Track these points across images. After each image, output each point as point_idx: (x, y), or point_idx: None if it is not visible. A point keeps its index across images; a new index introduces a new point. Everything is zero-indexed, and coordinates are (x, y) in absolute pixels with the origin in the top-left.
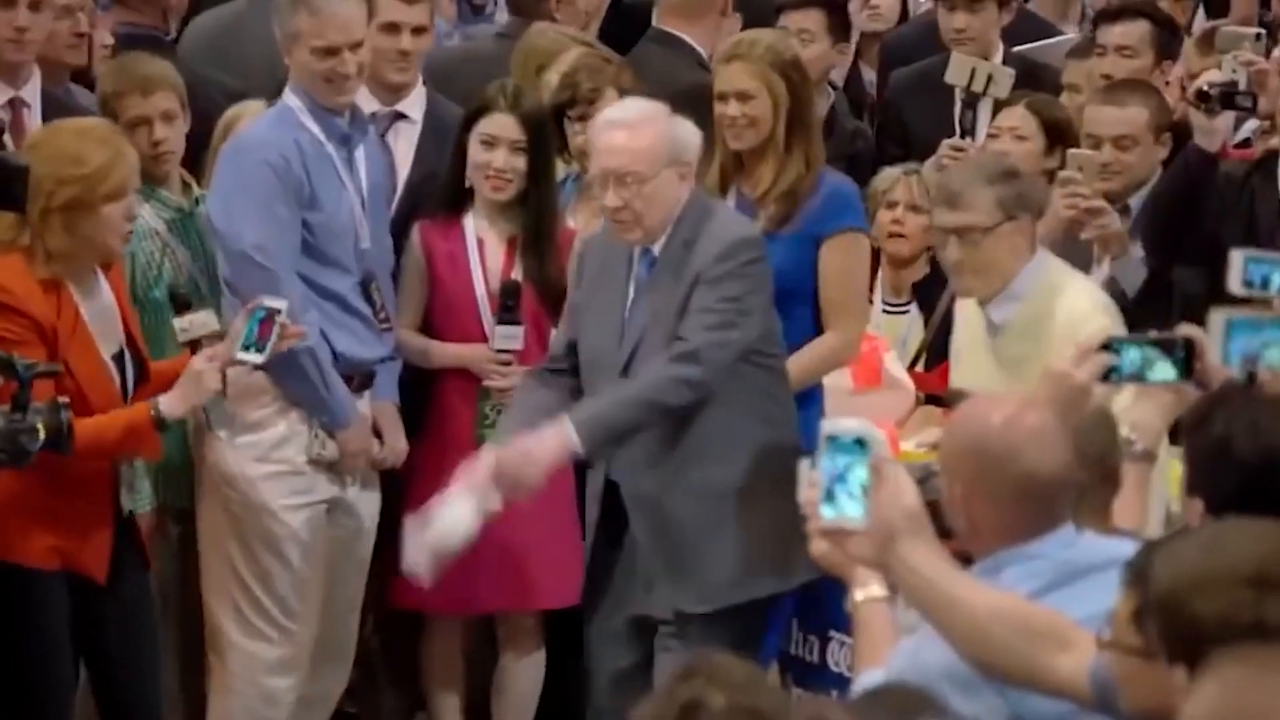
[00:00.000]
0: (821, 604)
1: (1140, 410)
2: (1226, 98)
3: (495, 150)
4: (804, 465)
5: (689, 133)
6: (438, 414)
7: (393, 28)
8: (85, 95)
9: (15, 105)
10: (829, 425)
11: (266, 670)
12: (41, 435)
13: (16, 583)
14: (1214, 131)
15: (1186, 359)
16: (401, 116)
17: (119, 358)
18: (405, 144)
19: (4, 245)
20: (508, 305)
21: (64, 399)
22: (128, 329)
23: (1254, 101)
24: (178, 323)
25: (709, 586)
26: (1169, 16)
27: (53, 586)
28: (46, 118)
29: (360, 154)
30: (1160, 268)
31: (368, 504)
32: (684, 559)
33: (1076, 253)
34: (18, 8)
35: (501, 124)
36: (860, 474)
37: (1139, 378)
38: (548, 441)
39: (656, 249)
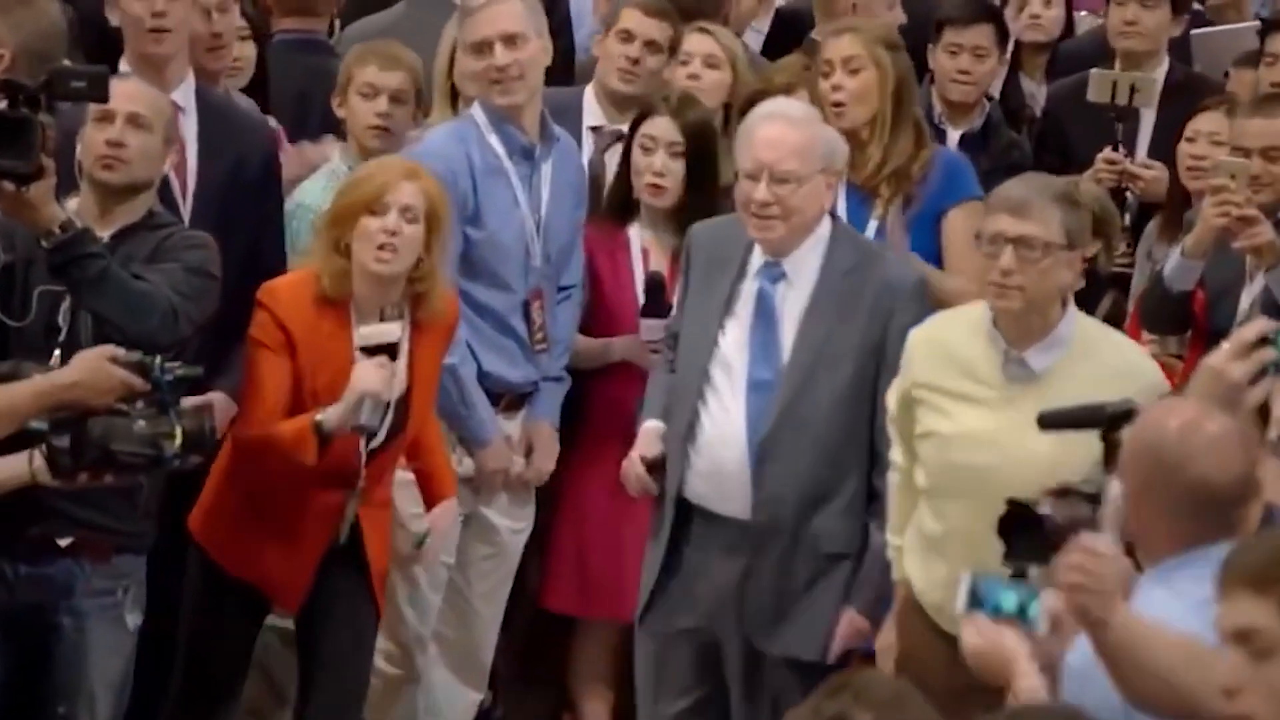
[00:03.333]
0: None
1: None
2: None
3: (654, 154)
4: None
5: (840, 141)
6: (594, 425)
7: (627, 36)
8: (246, 100)
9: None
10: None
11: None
12: (179, 440)
13: (208, 572)
14: None
15: None
16: (622, 137)
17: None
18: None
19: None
20: (652, 298)
21: (206, 400)
22: (415, 390)
23: None
24: (363, 330)
25: (819, 635)
26: None
27: (238, 594)
28: (203, 121)
29: (547, 169)
30: None
31: (513, 521)
32: (794, 603)
33: (1227, 264)
34: None
35: (660, 126)
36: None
37: None
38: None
39: (788, 265)
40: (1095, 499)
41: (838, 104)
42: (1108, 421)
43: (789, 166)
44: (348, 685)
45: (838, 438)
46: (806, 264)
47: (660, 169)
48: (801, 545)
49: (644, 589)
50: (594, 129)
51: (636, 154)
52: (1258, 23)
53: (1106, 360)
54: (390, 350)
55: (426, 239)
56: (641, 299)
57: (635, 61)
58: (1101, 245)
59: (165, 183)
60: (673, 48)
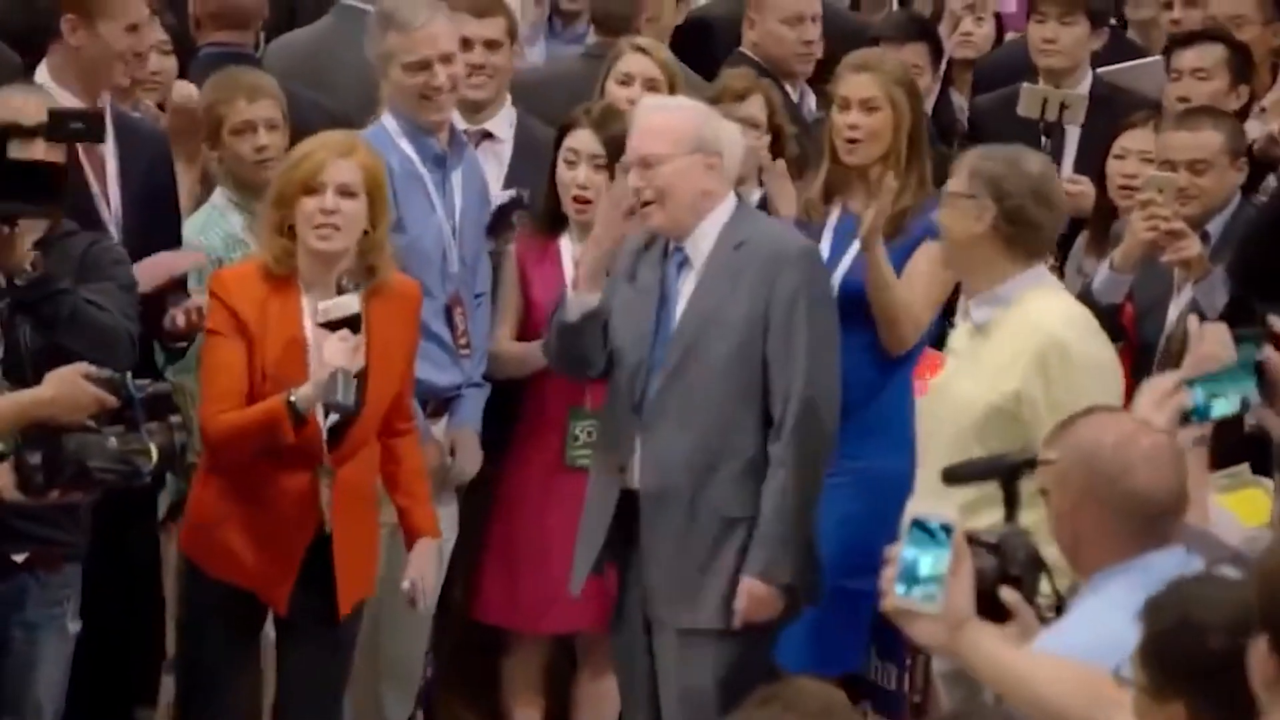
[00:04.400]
0: (899, 632)
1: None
2: None
3: (577, 167)
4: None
5: (729, 133)
6: (527, 435)
7: (464, 43)
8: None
9: None
10: (916, 510)
11: None
12: (155, 456)
13: (202, 592)
14: None
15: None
16: (488, 136)
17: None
18: (495, 163)
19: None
20: None
21: (177, 418)
22: (373, 364)
23: None
24: (321, 305)
25: (715, 602)
26: (1242, 42)
27: (234, 603)
28: (119, 134)
29: (457, 177)
30: (1244, 296)
31: (443, 520)
32: (691, 569)
33: (1156, 276)
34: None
35: (583, 140)
36: (940, 561)
37: (1208, 411)
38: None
39: (689, 248)
40: (997, 549)
41: (852, 140)
42: (1007, 471)
43: (654, 149)
44: (323, 697)
45: (727, 404)
46: (704, 243)
47: (584, 182)
48: (697, 511)
49: (583, 571)
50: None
51: (561, 167)
52: (1161, 57)
53: (1021, 318)
54: (351, 323)
55: (370, 212)
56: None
57: (479, 68)
58: None
59: (88, 196)
60: (511, 35)
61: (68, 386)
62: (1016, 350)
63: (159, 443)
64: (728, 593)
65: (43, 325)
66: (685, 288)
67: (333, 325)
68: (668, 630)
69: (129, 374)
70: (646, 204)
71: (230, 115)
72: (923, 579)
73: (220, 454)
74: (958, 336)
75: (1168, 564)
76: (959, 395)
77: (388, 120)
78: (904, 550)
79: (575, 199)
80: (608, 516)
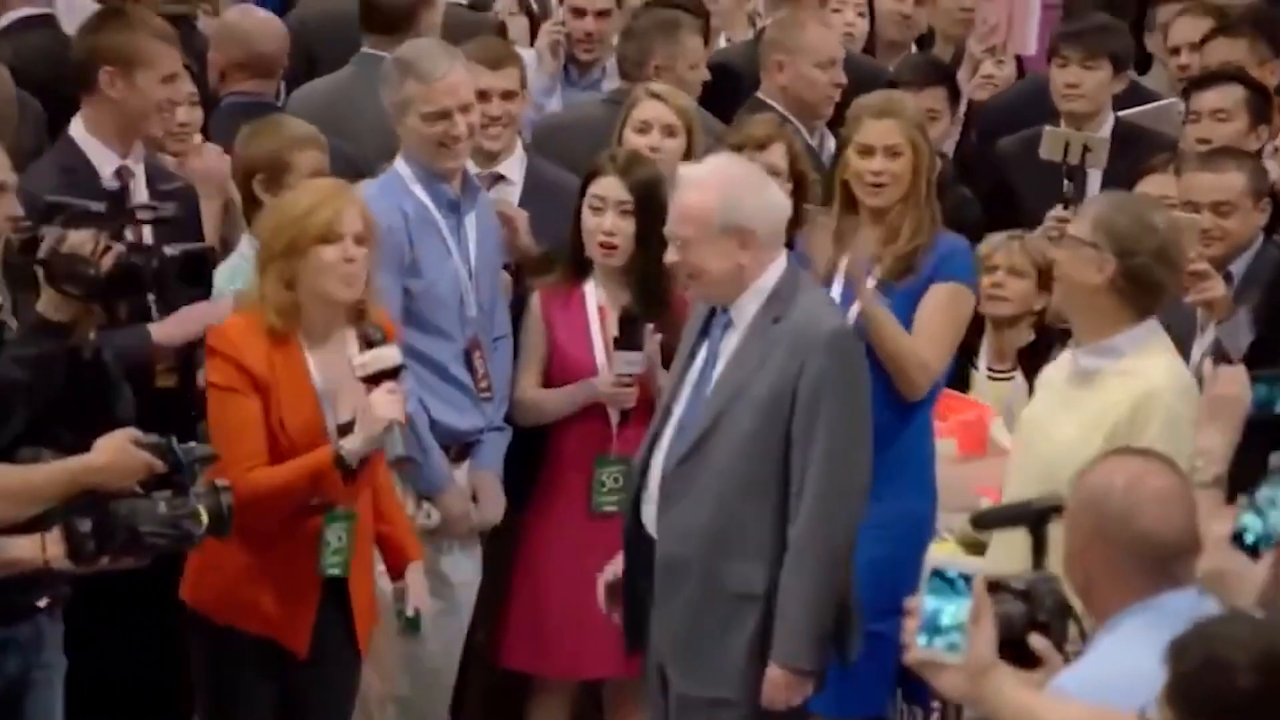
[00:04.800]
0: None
1: (1206, 437)
2: None
3: (603, 214)
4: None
5: (767, 200)
6: (552, 481)
7: (480, 94)
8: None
9: (122, 174)
10: (935, 560)
11: None
12: (205, 519)
13: (217, 642)
14: None
15: None
16: (500, 178)
17: (349, 426)
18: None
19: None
20: (628, 333)
21: (223, 482)
22: None
23: None
24: (356, 359)
25: (723, 675)
26: (1261, 82)
27: (252, 650)
28: (150, 185)
29: (471, 221)
30: (1271, 337)
31: (465, 570)
32: (699, 641)
33: (1180, 316)
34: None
35: (608, 186)
36: (961, 611)
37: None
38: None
39: (734, 312)
40: (1026, 595)
41: (878, 185)
42: (1034, 517)
43: (683, 232)
44: None
45: (744, 479)
46: (746, 311)
47: (610, 228)
48: (709, 584)
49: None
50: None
51: (586, 214)
52: (1176, 100)
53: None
54: (393, 374)
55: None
56: (615, 332)
57: (495, 119)
58: (1050, 300)
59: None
60: (522, 82)
61: (118, 453)
62: (1119, 404)
63: (207, 505)
64: (735, 668)
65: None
66: (727, 349)
67: (374, 378)
68: (679, 693)
69: (174, 438)
70: (685, 277)
71: (297, 165)
72: (945, 629)
73: (257, 512)
74: (1055, 370)
75: (1181, 603)
76: (1060, 438)
77: (401, 166)
78: (925, 600)
79: (601, 244)
80: (623, 568)
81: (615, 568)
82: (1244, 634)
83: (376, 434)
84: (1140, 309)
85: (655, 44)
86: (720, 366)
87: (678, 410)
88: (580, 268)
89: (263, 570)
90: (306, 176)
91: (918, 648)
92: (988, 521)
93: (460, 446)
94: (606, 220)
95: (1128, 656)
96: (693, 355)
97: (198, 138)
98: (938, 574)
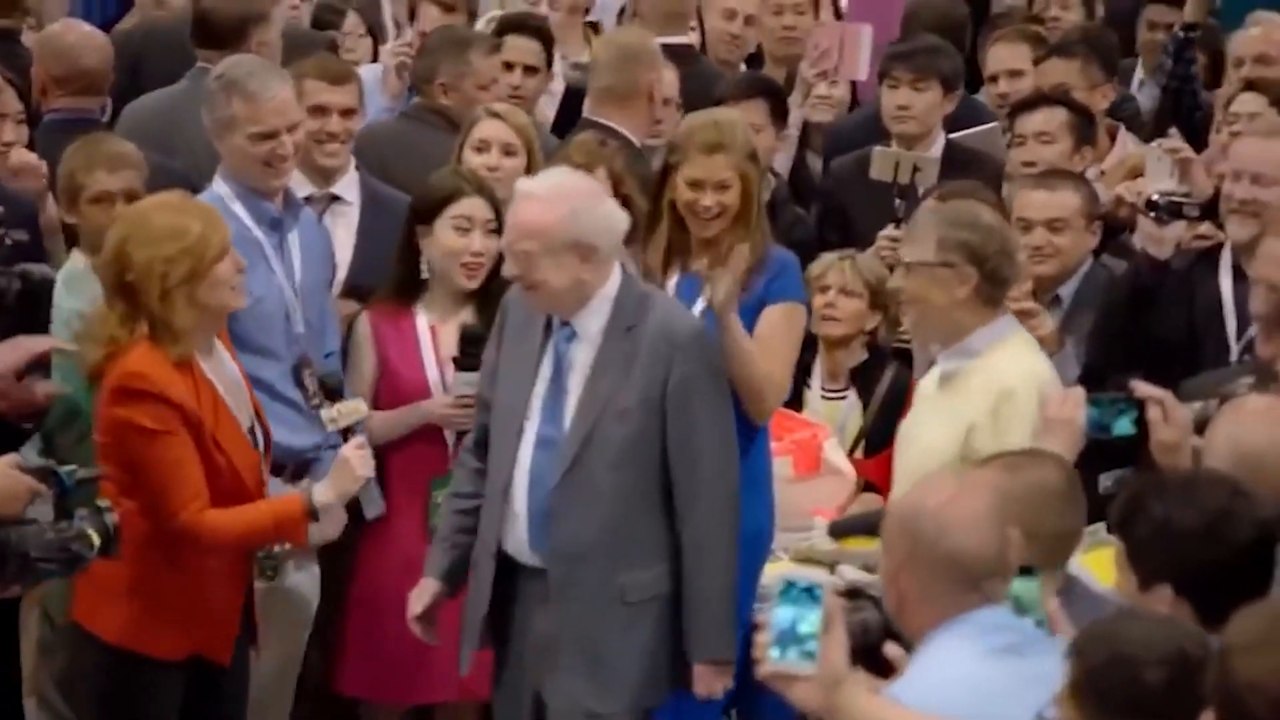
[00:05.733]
0: (761, 697)
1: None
2: (1174, 208)
3: (471, 234)
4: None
5: (605, 214)
6: (388, 504)
7: (320, 110)
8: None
9: None
10: (786, 573)
11: None
12: (96, 541)
13: (138, 671)
14: (1164, 241)
15: (1140, 418)
16: (337, 199)
17: (252, 430)
18: (344, 226)
19: (123, 344)
20: (468, 352)
21: (105, 502)
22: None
23: (1201, 212)
24: (325, 413)
25: (621, 688)
26: (1084, 105)
27: (173, 677)
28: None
29: (294, 238)
30: (1100, 370)
31: (303, 587)
32: (599, 656)
33: None
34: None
35: (474, 207)
36: (812, 622)
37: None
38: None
39: (577, 324)
40: (881, 603)
41: (709, 215)
42: None
43: (524, 246)
44: None
45: (628, 490)
46: (592, 324)
47: (479, 249)
48: (608, 596)
49: (468, 646)
50: (306, 199)
51: (448, 235)
52: (998, 124)
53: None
54: (360, 425)
55: None
56: (454, 351)
57: (333, 136)
58: (882, 319)
59: None
60: (360, 100)
61: (2, 479)
62: (978, 403)
63: (94, 527)
64: (636, 679)
65: None
66: (578, 368)
67: (345, 433)
68: (569, 715)
69: (56, 461)
70: (526, 288)
71: (90, 185)
72: (802, 637)
73: (213, 552)
74: (926, 381)
75: (993, 617)
76: (926, 443)
77: (220, 185)
78: (778, 612)
79: (468, 265)
80: (488, 590)
81: (423, 599)
82: (1147, 631)
83: (351, 491)
84: (994, 306)
85: (441, 62)
86: (576, 380)
87: (532, 428)
88: (413, 288)
89: (191, 597)
90: (121, 197)
91: (770, 661)
92: (845, 529)
93: (296, 464)
94: (475, 241)
95: (946, 667)
96: (534, 369)
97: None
98: (791, 585)
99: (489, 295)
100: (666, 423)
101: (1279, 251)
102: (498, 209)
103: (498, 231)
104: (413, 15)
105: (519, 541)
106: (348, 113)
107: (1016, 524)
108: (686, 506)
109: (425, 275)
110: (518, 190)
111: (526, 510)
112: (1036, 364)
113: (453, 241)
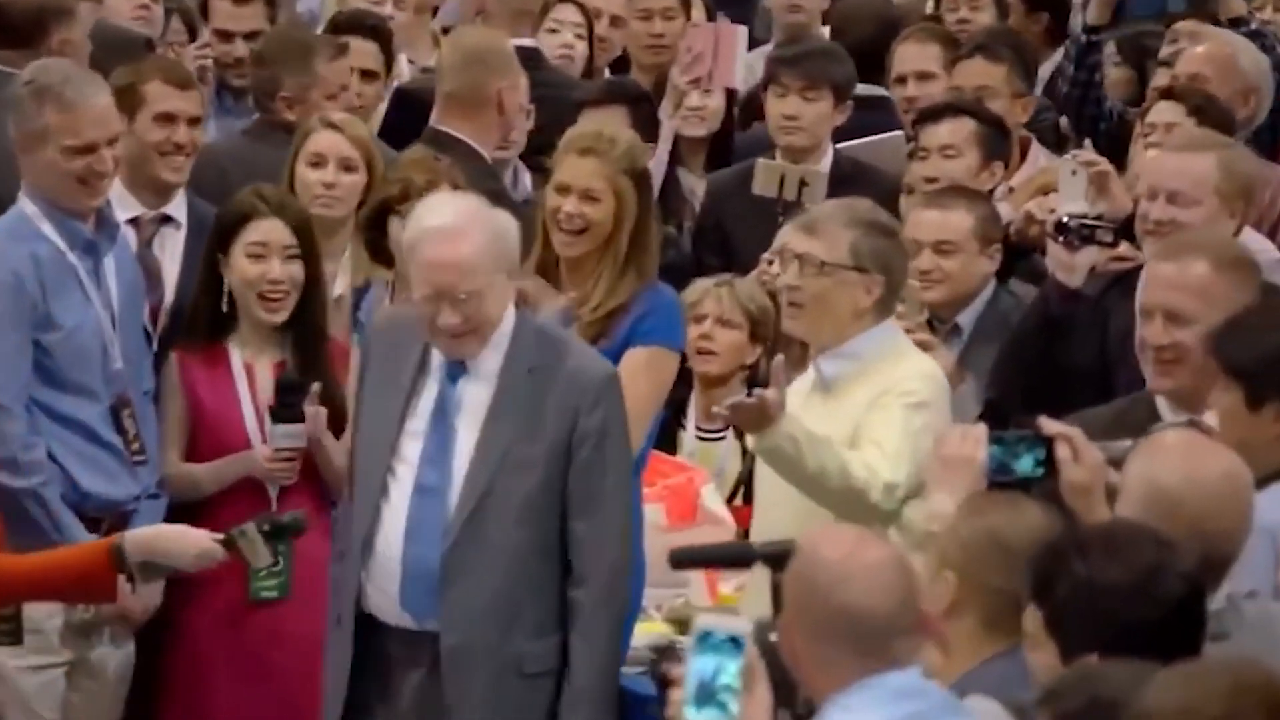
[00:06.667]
0: None
1: (937, 500)
2: (1087, 232)
3: (267, 260)
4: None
5: (508, 224)
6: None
7: (167, 118)
8: None
9: None
10: (704, 622)
11: None
12: None
13: None
14: (1075, 267)
15: (1048, 457)
16: (168, 220)
17: None
18: (171, 250)
19: None
20: (287, 402)
21: None
22: None
23: (1115, 235)
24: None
25: None
26: (997, 115)
27: None
28: None
29: (110, 263)
30: (1004, 405)
31: (117, 662)
32: None
33: None
34: None
35: (270, 230)
36: (731, 674)
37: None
38: None
39: (469, 363)
40: None
41: (571, 231)
42: (758, 559)
43: (472, 286)
44: None
45: (526, 548)
46: (488, 362)
47: (278, 276)
48: (503, 668)
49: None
50: (132, 221)
51: (242, 264)
52: (900, 133)
53: (886, 374)
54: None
55: None
56: (272, 402)
57: (180, 147)
58: (763, 350)
59: None
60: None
61: None
62: (860, 406)
63: None
64: None
65: None
66: (470, 411)
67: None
68: None
69: None
70: (460, 336)
71: None
72: (720, 690)
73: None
74: (799, 384)
75: (903, 680)
76: None
77: (26, 204)
78: (696, 663)
79: (267, 296)
80: (348, 662)
81: None
82: (1124, 677)
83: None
84: (887, 314)
85: (284, 74)
86: (467, 423)
87: (408, 474)
88: (219, 322)
89: None
90: None
91: (686, 718)
92: (690, 559)
93: (115, 518)
94: (273, 268)
95: None
96: (404, 407)
97: None
98: (705, 637)
99: (304, 328)
100: (569, 473)
101: (1169, 273)
102: (303, 231)
103: (300, 258)
104: (204, 12)
105: (385, 599)
106: (194, 121)
107: (953, 570)
108: (586, 565)
109: (224, 309)
110: (422, 232)
111: (400, 567)
112: (927, 363)
113: (246, 269)
